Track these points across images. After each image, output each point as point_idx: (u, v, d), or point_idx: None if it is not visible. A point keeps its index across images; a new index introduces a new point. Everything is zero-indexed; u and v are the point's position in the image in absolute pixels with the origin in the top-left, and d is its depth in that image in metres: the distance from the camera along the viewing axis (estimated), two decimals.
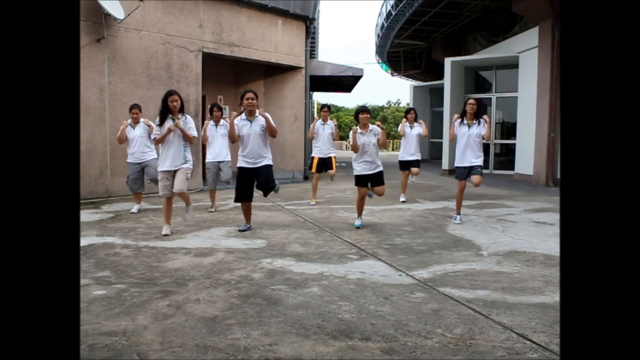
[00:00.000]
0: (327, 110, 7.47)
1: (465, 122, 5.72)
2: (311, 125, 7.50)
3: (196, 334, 2.49)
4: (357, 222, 5.53)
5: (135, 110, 6.32)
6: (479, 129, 5.65)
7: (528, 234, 5.12)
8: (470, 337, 2.47)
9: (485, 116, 5.80)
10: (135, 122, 6.32)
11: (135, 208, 6.39)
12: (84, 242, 4.52)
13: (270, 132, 5.09)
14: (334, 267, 3.78)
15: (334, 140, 7.39)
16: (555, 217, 6.10)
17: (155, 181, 6.13)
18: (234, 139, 5.09)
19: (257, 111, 5.08)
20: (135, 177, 6.35)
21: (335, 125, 7.44)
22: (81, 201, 6.85)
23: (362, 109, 5.43)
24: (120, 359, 2.21)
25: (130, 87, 7.70)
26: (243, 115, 5.08)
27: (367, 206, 6.88)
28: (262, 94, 10.99)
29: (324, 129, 7.30)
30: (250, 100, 4.98)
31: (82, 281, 3.34)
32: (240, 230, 5.20)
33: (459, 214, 5.86)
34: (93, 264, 3.81)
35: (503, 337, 2.48)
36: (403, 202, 7.49)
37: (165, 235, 4.89)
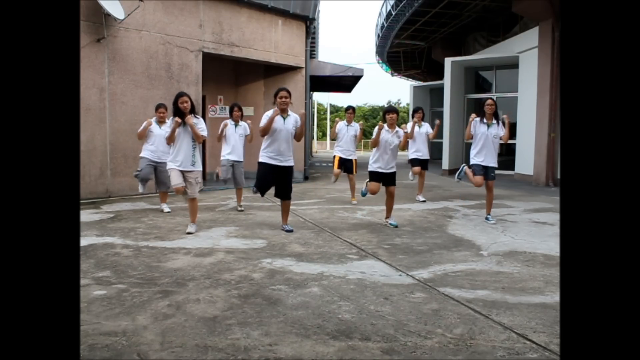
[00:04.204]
0: (352, 112, 7.56)
1: (484, 121, 5.67)
2: (333, 126, 7.60)
3: (196, 334, 2.49)
4: (362, 191, 5.93)
5: (162, 109, 6.31)
6: (498, 130, 5.63)
7: (528, 234, 5.13)
8: (470, 337, 2.47)
9: (505, 116, 5.73)
10: (161, 121, 6.28)
11: (140, 188, 6.41)
12: (84, 242, 4.52)
13: (298, 134, 5.15)
14: (334, 267, 3.78)
15: (357, 142, 7.47)
16: (555, 217, 6.10)
17: (164, 185, 6.28)
18: (265, 132, 5.01)
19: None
20: (146, 173, 6.31)
21: (360, 128, 7.49)
22: (81, 201, 6.86)
23: (390, 109, 5.44)
24: (120, 359, 2.21)
25: (130, 87, 7.70)
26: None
27: (367, 206, 6.88)
28: (262, 94, 10.99)
29: (348, 130, 7.38)
30: (284, 99, 5.03)
31: (82, 281, 3.34)
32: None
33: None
34: (93, 264, 3.81)
35: (503, 337, 2.48)
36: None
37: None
